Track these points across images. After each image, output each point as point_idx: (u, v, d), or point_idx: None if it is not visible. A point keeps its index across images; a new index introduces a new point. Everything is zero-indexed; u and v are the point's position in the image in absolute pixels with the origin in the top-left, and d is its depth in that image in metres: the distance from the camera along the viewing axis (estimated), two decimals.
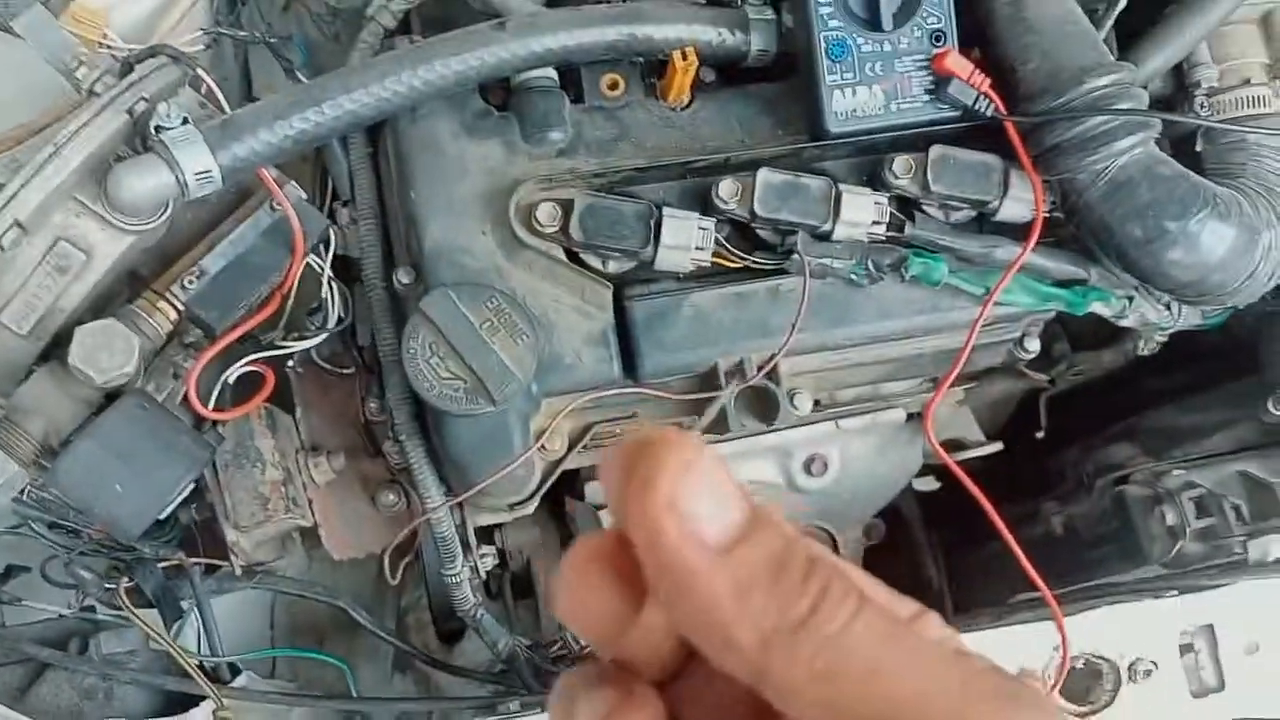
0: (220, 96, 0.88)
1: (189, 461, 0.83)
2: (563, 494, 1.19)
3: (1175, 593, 0.94)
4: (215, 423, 0.92)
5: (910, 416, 1.16)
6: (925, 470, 1.35)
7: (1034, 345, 1.04)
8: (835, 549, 1.21)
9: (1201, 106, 0.99)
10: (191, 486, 0.86)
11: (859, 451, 1.15)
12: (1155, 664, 0.92)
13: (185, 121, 0.81)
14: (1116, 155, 0.88)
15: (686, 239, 0.90)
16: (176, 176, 0.80)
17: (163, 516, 0.86)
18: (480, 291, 0.86)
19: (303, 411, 1.04)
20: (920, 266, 0.93)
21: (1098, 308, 1.00)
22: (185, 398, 0.88)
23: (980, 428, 1.35)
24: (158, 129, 0.80)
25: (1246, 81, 1.00)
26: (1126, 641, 0.93)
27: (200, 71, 0.88)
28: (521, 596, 1.32)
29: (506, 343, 0.85)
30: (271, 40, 0.99)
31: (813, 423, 1.08)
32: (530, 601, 1.29)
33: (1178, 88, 1.02)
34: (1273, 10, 1.02)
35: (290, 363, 0.97)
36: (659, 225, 0.89)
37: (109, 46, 0.90)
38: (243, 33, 0.97)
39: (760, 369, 0.93)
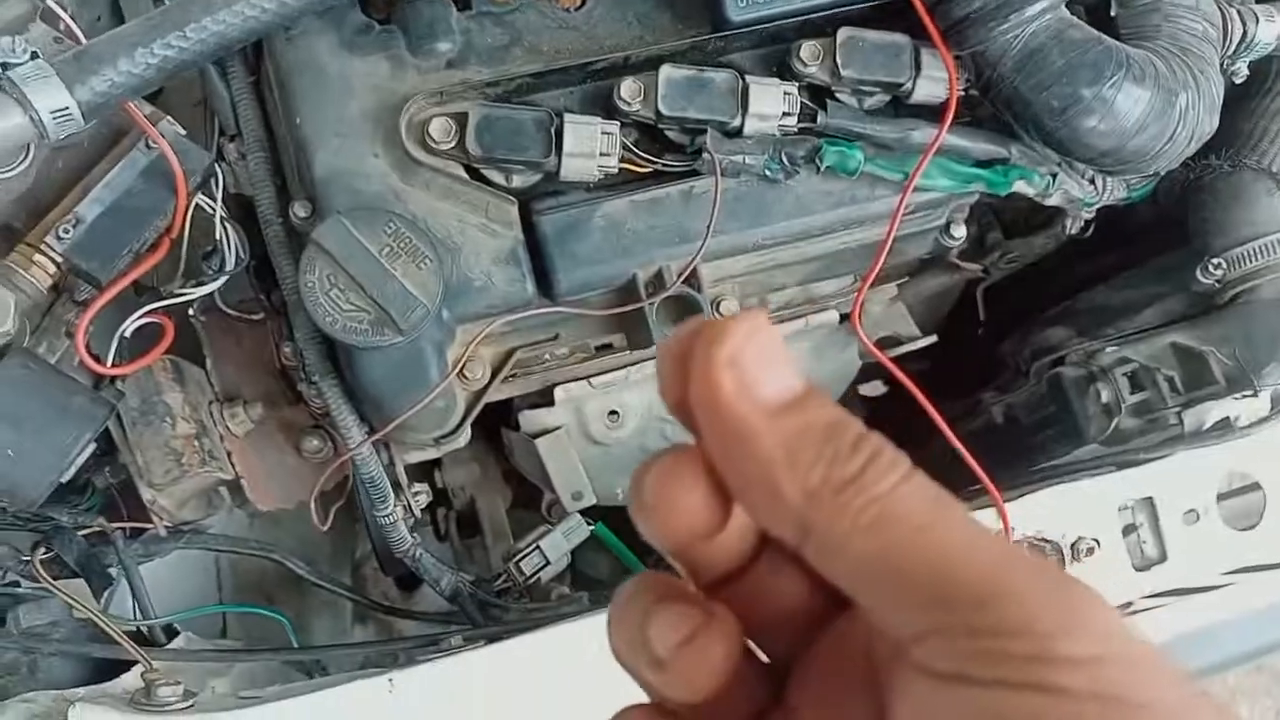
0: (77, 30, 0.82)
1: (85, 421, 0.79)
2: (498, 426, 1.17)
3: (1114, 469, 0.93)
4: (114, 379, 0.88)
5: (843, 318, 1.14)
6: (872, 374, 1.34)
7: (960, 231, 1.02)
8: None
9: None
10: (92, 447, 0.82)
11: (795, 356, 1.13)
12: (1097, 541, 0.91)
13: (35, 56, 0.75)
14: (1027, 22, 0.85)
15: (590, 145, 0.85)
16: (31, 116, 0.74)
17: (65, 480, 0.82)
18: (377, 216, 0.81)
19: (213, 361, 1.00)
20: (835, 156, 0.90)
21: (1021, 186, 0.97)
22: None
23: (920, 325, 1.34)
24: (4, 66, 0.74)
25: None
26: (1068, 521, 0.92)
27: (51, 3, 0.81)
28: (468, 535, 1.30)
29: (409, 269, 0.81)
30: None
31: None
32: (478, 538, 1.28)
33: None
34: None
35: (191, 311, 0.93)
36: (560, 133, 0.85)
37: None
38: None
39: (680, 276, 0.90)
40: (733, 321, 0.29)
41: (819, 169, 0.90)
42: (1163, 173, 0.96)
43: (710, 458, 0.29)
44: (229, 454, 0.97)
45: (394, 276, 0.80)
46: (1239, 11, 0.99)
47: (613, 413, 1.09)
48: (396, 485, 0.98)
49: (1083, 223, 1.09)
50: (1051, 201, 1.02)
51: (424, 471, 1.20)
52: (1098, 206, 1.05)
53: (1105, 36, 0.87)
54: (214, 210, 0.90)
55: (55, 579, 0.96)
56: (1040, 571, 0.27)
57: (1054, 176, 0.98)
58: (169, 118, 0.88)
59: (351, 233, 0.80)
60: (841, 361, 1.16)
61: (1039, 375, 1.08)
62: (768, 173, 0.90)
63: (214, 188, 0.90)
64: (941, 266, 1.21)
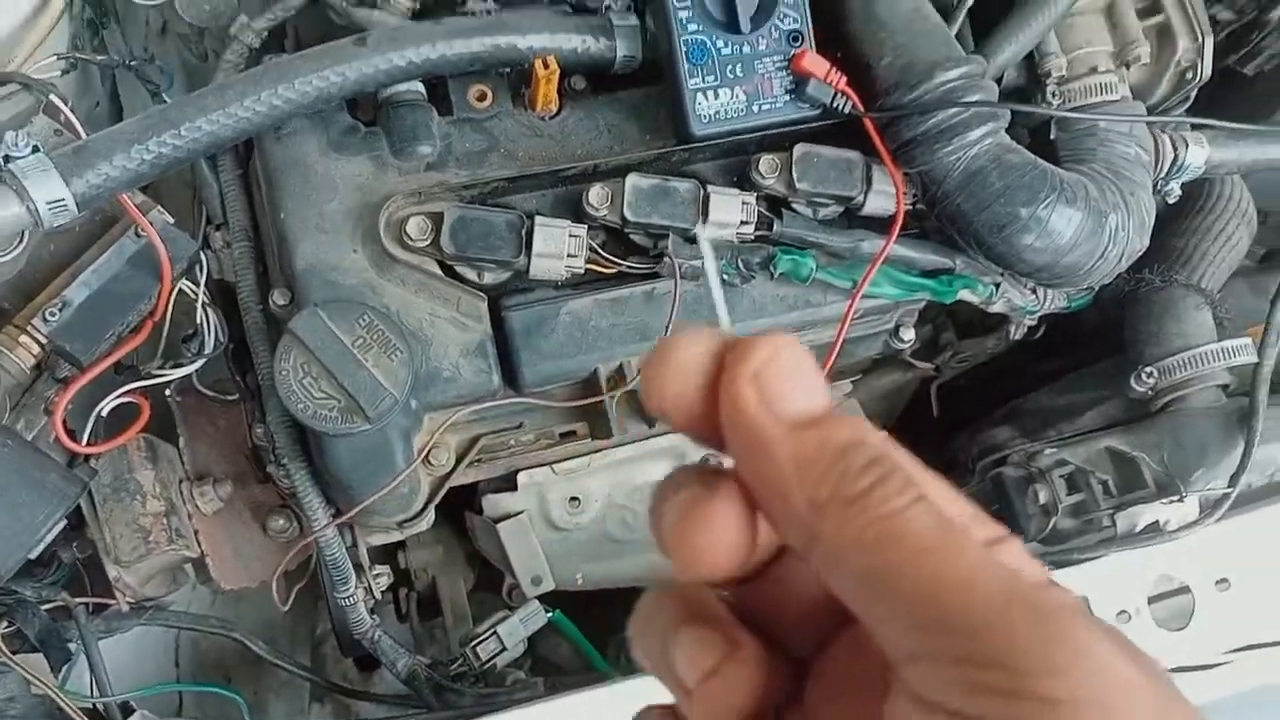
0: (76, 123, 0.86)
1: (56, 499, 0.82)
2: (463, 509, 1.19)
3: (1051, 569, 0.97)
4: (88, 457, 0.90)
5: None
6: None
7: (908, 335, 1.07)
8: None
9: (1053, 95, 1.03)
10: (62, 524, 0.84)
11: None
12: None
13: (36, 150, 0.80)
14: (969, 146, 0.91)
15: (558, 247, 0.90)
16: (28, 207, 0.78)
17: (33, 556, 0.84)
18: (351, 309, 0.86)
19: (186, 440, 1.02)
20: (789, 263, 0.95)
21: (965, 295, 1.03)
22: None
23: (875, 420, 1.39)
24: (6, 158, 0.79)
25: (1094, 69, 1.04)
26: None
27: (54, 98, 0.86)
28: (430, 615, 1.32)
29: (380, 359, 0.85)
30: (132, 64, 0.98)
31: None
32: (439, 620, 1.29)
33: (1031, 78, 1.06)
34: (1114, 0, 1.07)
35: (168, 391, 0.96)
36: (530, 234, 0.90)
37: None
38: (101, 57, 0.95)
39: (640, 370, 0.94)
40: (760, 339, 0.31)
41: (773, 275, 0.95)
42: (1097, 286, 1.02)
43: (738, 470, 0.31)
44: (196, 532, 0.99)
45: (365, 367, 0.84)
46: (1170, 137, 1.07)
47: (574, 499, 1.13)
48: (359, 567, 1.00)
49: (1026, 328, 1.14)
50: (995, 308, 1.08)
51: (388, 552, 1.22)
52: (1039, 314, 1.11)
53: (1041, 160, 0.94)
54: (196, 295, 0.93)
55: (15, 653, 0.97)
56: (1038, 607, 0.26)
57: (997, 286, 1.04)
58: (159, 207, 0.92)
59: (326, 324, 0.84)
60: None
61: (984, 474, 1.12)
62: (725, 277, 0.95)
63: (198, 274, 0.94)
64: (895, 364, 1.27)
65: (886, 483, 0.29)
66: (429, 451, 0.95)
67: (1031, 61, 1.05)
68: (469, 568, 1.29)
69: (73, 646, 1.01)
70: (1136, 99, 1.07)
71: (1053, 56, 1.04)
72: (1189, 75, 1.08)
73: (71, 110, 0.93)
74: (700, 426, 0.31)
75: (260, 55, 0.97)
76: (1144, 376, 1.04)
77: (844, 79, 0.93)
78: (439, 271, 0.92)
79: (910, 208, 0.98)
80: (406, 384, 0.85)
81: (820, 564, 0.30)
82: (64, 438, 0.85)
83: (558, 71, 0.91)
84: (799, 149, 0.96)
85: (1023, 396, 1.26)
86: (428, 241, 0.90)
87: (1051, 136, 1.04)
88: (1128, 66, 1.06)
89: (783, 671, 0.33)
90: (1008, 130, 0.95)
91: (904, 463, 0.30)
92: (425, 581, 1.28)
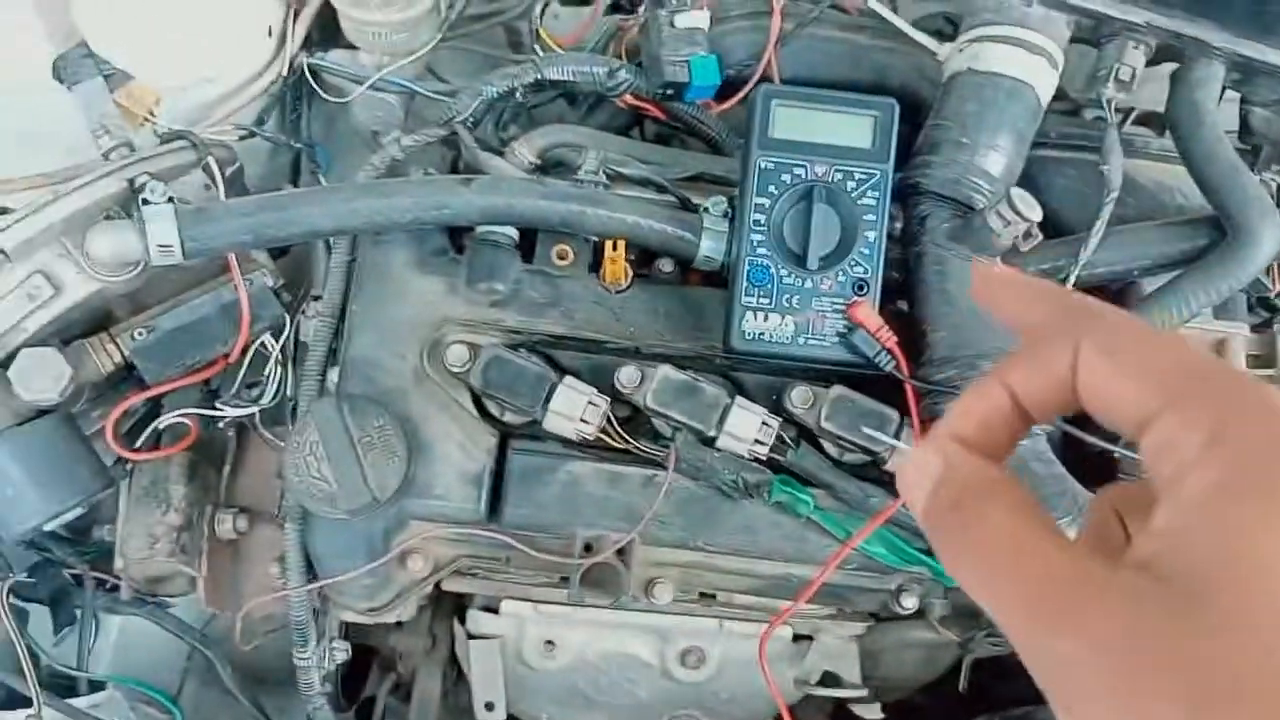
0: (220, 186, 1.00)
1: (80, 489, 0.93)
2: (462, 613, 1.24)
3: None
4: (129, 461, 1.02)
5: (796, 637, 1.16)
6: (872, 697, 1.33)
7: (910, 601, 1.04)
8: None
9: None
10: (78, 511, 0.95)
11: (741, 656, 1.15)
12: None
13: (171, 200, 0.94)
14: None
15: (574, 410, 0.95)
16: (143, 244, 0.92)
17: (48, 529, 0.96)
18: (370, 409, 0.94)
19: (231, 469, 1.13)
20: (785, 496, 0.95)
21: None
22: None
23: (912, 669, 1.33)
24: (144, 200, 0.93)
25: None
26: None
27: (211, 161, 1.01)
28: (405, 699, 1.36)
29: (377, 460, 0.92)
30: (296, 145, 1.12)
31: (688, 614, 1.10)
32: (405, 707, 1.33)
33: None
34: (1224, 339, 1.02)
35: (220, 424, 1.07)
36: (553, 391, 0.95)
37: (153, 123, 1.05)
38: (269, 134, 1.10)
39: (613, 547, 0.96)
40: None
41: (765, 502, 0.96)
42: None
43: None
44: (204, 552, 1.08)
45: (360, 464, 0.91)
46: None
47: (549, 642, 1.15)
48: (321, 634, 1.06)
49: None
50: None
51: (387, 629, 1.29)
52: None
53: (1070, 479, 0.90)
54: (271, 352, 1.05)
55: (28, 602, 1.10)
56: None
57: None
58: (269, 270, 1.05)
59: (342, 416, 0.92)
60: (783, 678, 1.17)
61: None
62: (724, 487, 0.96)
63: (281, 335, 1.05)
64: (922, 622, 1.22)
65: (959, 507, 0.36)
66: (407, 556, 1.00)
67: None
68: (451, 668, 1.33)
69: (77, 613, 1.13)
70: None
71: None
72: None
73: (236, 170, 1.09)
74: None
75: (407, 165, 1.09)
76: None
77: (894, 339, 0.93)
78: (468, 396, 0.99)
79: None
80: (392, 490, 0.92)
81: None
82: (110, 440, 0.97)
83: (623, 254, 0.97)
84: (835, 390, 0.97)
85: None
86: (463, 369, 0.97)
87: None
88: None
89: None
90: None
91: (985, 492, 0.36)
92: (407, 668, 1.33)
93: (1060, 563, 0.32)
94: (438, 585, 1.08)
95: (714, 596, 1.08)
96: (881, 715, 1.30)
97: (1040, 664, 0.31)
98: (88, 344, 0.98)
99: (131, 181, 0.96)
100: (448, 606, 1.30)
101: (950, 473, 0.37)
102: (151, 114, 1.04)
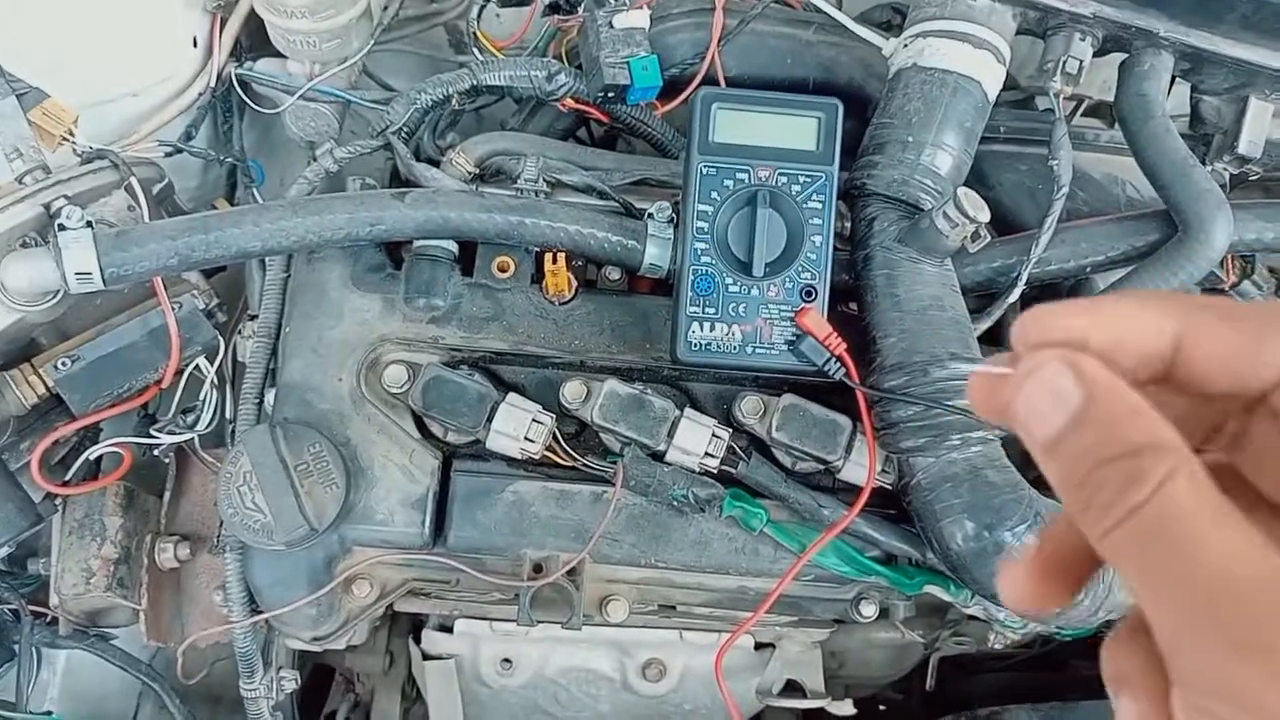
0: (144, 207, 0.97)
1: (5, 528, 0.90)
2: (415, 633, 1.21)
3: None
4: (59, 496, 0.99)
5: (758, 645, 1.14)
6: (843, 693, 1.31)
7: (869, 610, 1.02)
8: None
9: None
10: (6, 550, 0.91)
11: (702, 667, 1.13)
12: None
13: (90, 225, 0.90)
14: (949, 449, 0.87)
15: (518, 429, 0.93)
16: (60, 272, 0.88)
17: None
18: (306, 435, 0.90)
19: (170, 497, 1.10)
20: (737, 510, 0.93)
21: (934, 590, 0.97)
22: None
23: (879, 668, 1.32)
24: (60, 226, 0.89)
25: None
26: None
27: (134, 181, 0.97)
28: (366, 717, 1.33)
29: (314, 488, 0.89)
30: (225, 159, 1.08)
31: (648, 626, 1.08)
32: None
33: None
34: None
35: (156, 451, 1.03)
36: (495, 409, 0.93)
37: (71, 143, 1.00)
38: (197, 149, 1.06)
39: (564, 567, 0.94)
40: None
41: (717, 516, 0.93)
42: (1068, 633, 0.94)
43: None
44: (143, 584, 1.05)
45: (296, 493, 0.88)
46: None
47: (506, 660, 1.12)
48: (269, 664, 1.03)
49: (1007, 640, 1.06)
50: (971, 612, 1.01)
51: (343, 651, 1.26)
52: (1022, 634, 1.03)
53: (1026, 486, 0.88)
54: (205, 376, 1.01)
55: None
56: None
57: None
58: (200, 290, 1.01)
59: (276, 444, 0.89)
60: (745, 687, 1.16)
61: None
62: (674, 503, 0.94)
63: (215, 358, 1.02)
64: (886, 623, 1.20)
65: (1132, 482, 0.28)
66: (352, 582, 0.98)
67: None
68: (410, 686, 1.31)
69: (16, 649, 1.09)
70: None
71: None
72: None
73: (164, 188, 1.05)
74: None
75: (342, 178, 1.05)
76: None
77: (844, 345, 0.91)
78: (409, 417, 0.96)
79: (889, 488, 0.95)
80: (330, 518, 0.89)
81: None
82: (37, 476, 0.93)
83: (564, 266, 0.94)
84: (785, 399, 0.95)
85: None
86: (401, 390, 0.94)
87: None
88: None
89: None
90: None
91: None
92: (367, 689, 1.31)
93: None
94: (391, 605, 1.06)
95: (673, 608, 1.06)
96: (854, 712, 1.28)
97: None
98: (8, 376, 0.94)
99: (48, 206, 0.92)
100: (404, 624, 1.27)
101: (1098, 412, 0.29)
102: (70, 133, 1.00)
